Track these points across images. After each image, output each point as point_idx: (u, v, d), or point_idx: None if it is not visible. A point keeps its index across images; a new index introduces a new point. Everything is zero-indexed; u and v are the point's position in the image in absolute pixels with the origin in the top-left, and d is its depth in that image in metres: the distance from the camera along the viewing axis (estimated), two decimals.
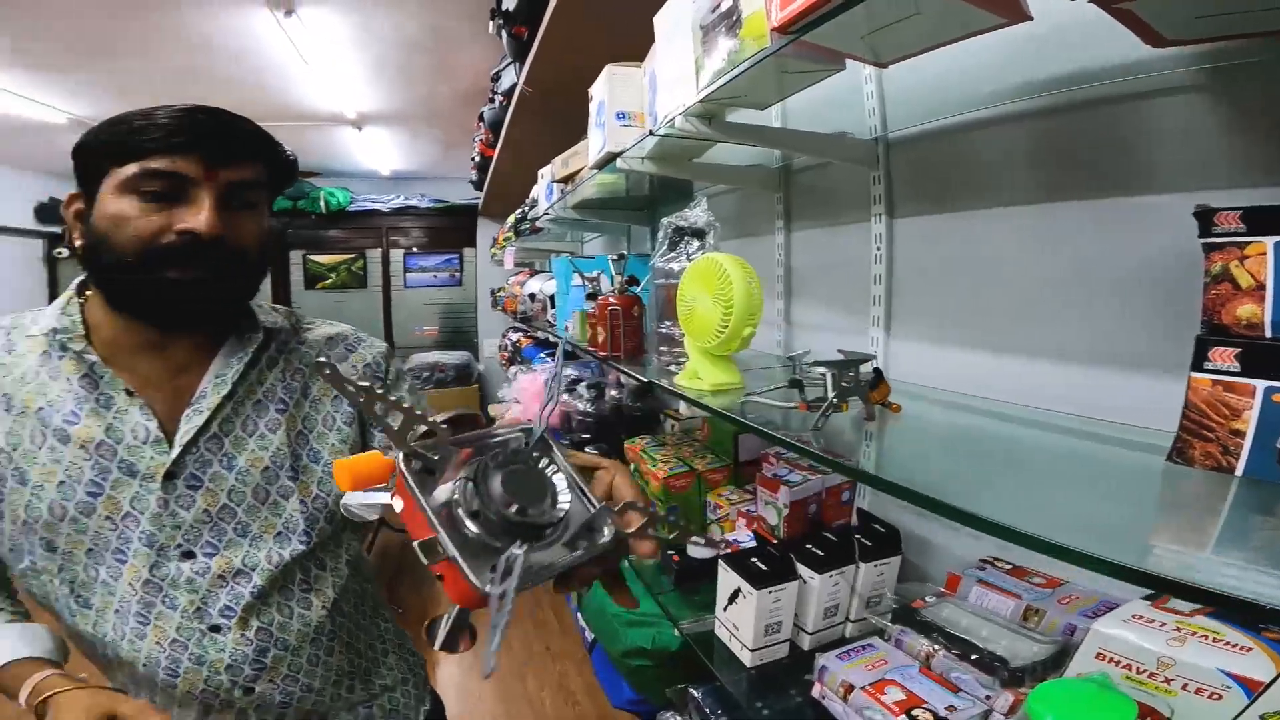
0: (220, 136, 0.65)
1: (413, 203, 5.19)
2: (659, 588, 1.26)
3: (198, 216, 0.63)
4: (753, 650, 0.97)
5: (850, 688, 0.83)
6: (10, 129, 3.36)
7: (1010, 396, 0.88)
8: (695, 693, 1.19)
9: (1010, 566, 0.90)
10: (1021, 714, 0.60)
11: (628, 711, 1.66)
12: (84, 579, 0.68)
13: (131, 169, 0.63)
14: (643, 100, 1.23)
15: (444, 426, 0.44)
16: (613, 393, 2.07)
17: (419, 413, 0.43)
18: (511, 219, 3.29)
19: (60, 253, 4.79)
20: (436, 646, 0.43)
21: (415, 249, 5.59)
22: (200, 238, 0.63)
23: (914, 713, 0.75)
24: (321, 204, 4.86)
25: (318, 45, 2.55)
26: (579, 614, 2.14)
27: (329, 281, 5.22)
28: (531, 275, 3.44)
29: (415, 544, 0.41)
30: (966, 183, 0.97)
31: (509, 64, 2.31)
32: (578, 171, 1.84)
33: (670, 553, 1.30)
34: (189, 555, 0.69)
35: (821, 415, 0.76)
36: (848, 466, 0.68)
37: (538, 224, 2.32)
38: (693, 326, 0.99)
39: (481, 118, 3.01)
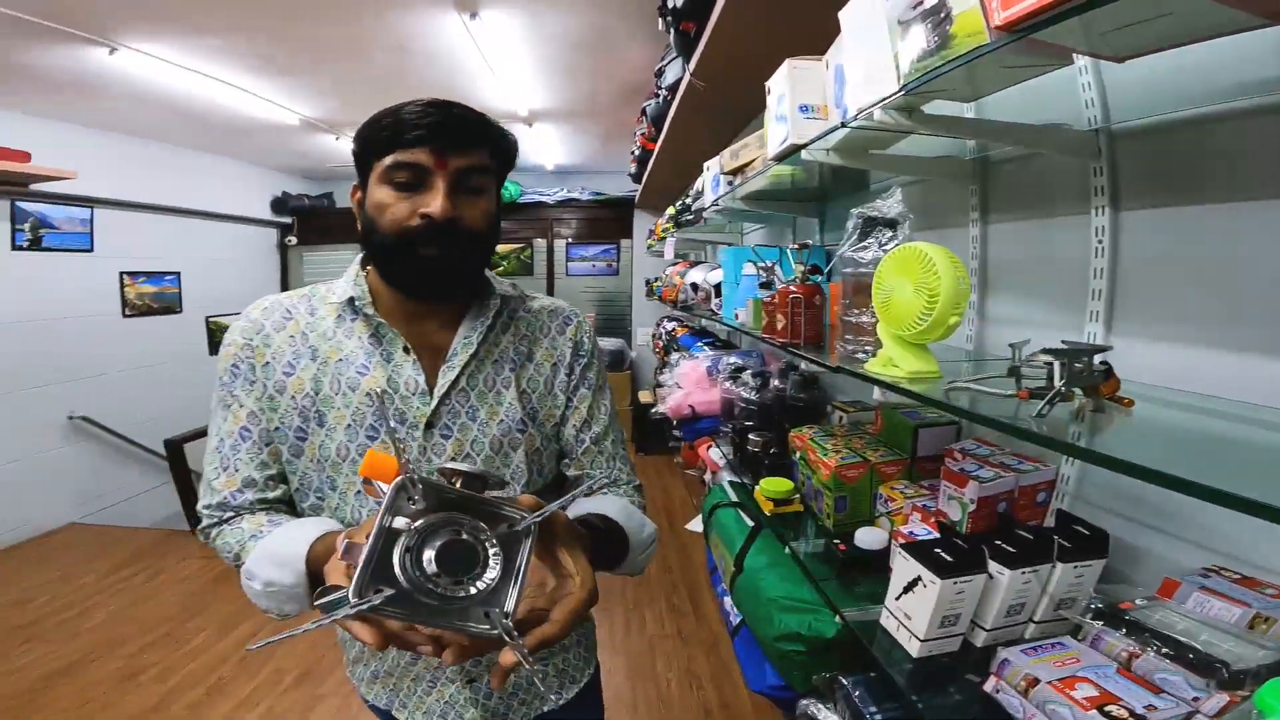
0: (447, 128, 0.75)
1: (574, 195, 5.48)
2: (820, 575, 1.28)
3: (434, 202, 0.73)
4: (922, 641, 0.96)
5: (1034, 681, 0.81)
6: (252, 129, 3.95)
7: (1259, 399, 0.81)
8: (845, 681, 1.20)
9: (1239, 576, 0.83)
10: (1248, 708, 0.58)
11: (767, 696, 1.65)
12: (350, 519, 0.83)
13: (384, 162, 0.75)
14: (825, 93, 1.25)
15: (456, 469, 0.57)
16: (775, 383, 2.08)
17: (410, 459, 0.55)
18: (671, 210, 3.37)
19: (290, 240, 5.56)
20: (313, 603, 0.53)
21: (576, 239, 5.90)
22: (436, 220, 0.73)
23: (1107, 709, 0.73)
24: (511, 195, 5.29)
25: (497, 46, 2.77)
26: (726, 596, 2.18)
27: (501, 269, 5.64)
28: (690, 266, 3.51)
29: (346, 541, 0.52)
30: (1209, 176, 0.89)
31: (673, 59, 2.39)
32: (749, 163, 1.87)
33: (835, 541, 1.30)
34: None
35: (1046, 404, 0.74)
36: (1092, 452, 0.66)
37: (704, 215, 2.37)
38: (890, 314, 0.99)
39: (644, 112, 3.11)
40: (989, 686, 0.89)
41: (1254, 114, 0.82)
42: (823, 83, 1.26)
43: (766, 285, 1.74)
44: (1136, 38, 0.72)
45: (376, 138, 0.76)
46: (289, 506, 0.88)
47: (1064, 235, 1.14)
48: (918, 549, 0.98)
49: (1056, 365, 0.76)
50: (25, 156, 3.31)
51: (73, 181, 3.60)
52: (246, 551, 0.77)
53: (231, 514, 0.83)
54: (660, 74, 2.60)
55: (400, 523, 0.52)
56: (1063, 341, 0.79)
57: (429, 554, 0.53)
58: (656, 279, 4.48)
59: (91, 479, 4.01)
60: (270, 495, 0.84)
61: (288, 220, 5.51)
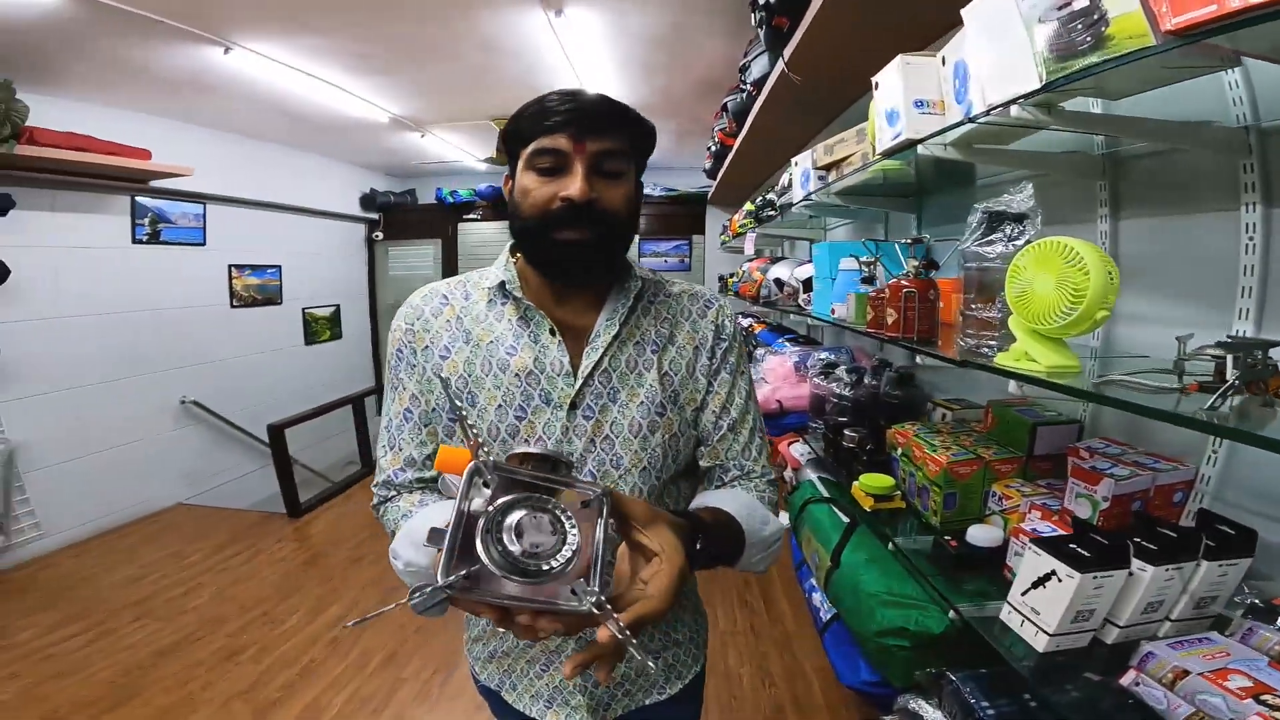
0: (584, 114, 0.77)
1: (648, 191, 5.50)
2: (927, 572, 1.27)
3: (572, 184, 0.76)
4: (1051, 635, 0.94)
5: (1183, 673, 0.80)
6: (344, 126, 4.14)
7: None
8: (953, 677, 1.18)
9: None
10: None
11: (860, 691, 1.63)
12: None
13: (528, 149, 0.79)
14: (940, 88, 1.24)
15: (527, 452, 0.58)
16: (869, 379, 2.06)
17: (483, 443, 0.57)
18: (749, 205, 3.36)
19: (377, 235, 5.80)
20: (410, 603, 0.53)
21: (648, 235, 5.94)
22: (575, 201, 0.76)
23: (1264, 699, 0.71)
24: None
25: (579, 43, 2.82)
26: (815, 592, 2.17)
27: None
28: (770, 262, 3.50)
29: (431, 528, 0.53)
30: None
31: (759, 54, 2.38)
32: (845, 158, 1.86)
33: (946, 538, 1.29)
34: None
35: (1219, 396, 0.73)
36: None
37: (792, 209, 2.37)
38: (1027, 308, 0.99)
39: (725, 108, 3.11)
40: (1126, 680, 0.87)
41: None
42: (938, 78, 1.25)
43: (869, 280, 1.73)
44: None
45: (521, 127, 0.80)
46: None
47: (1208, 232, 1.11)
48: (1050, 544, 0.96)
49: (1230, 359, 0.74)
50: (146, 154, 3.56)
51: (186, 179, 3.86)
52: (396, 531, 0.83)
53: (394, 493, 0.89)
54: (745, 69, 2.60)
55: (477, 505, 0.54)
56: (1228, 337, 0.77)
57: (508, 533, 0.54)
58: (732, 274, 4.47)
59: (198, 461, 4.29)
60: (428, 474, 0.90)
61: (375, 216, 5.76)
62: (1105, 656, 0.95)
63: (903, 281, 1.41)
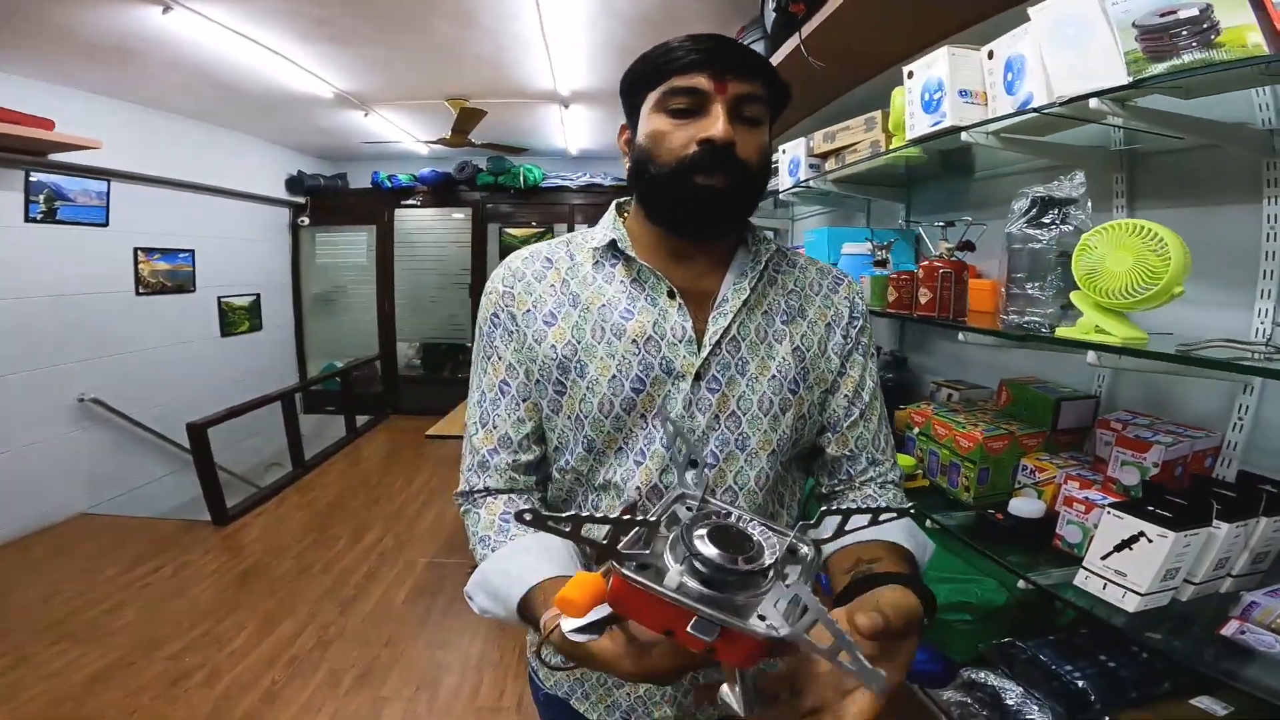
0: (724, 54, 0.71)
1: (597, 180, 5.44)
2: (978, 546, 1.29)
3: (714, 125, 0.70)
4: (1143, 595, 0.98)
5: None
6: (279, 102, 3.82)
7: None
8: (1024, 645, 1.22)
9: None
10: None
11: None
12: (602, 481, 0.79)
13: (659, 90, 0.73)
14: (984, 80, 1.31)
15: (651, 522, 0.47)
16: None
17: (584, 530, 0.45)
18: None
19: (303, 221, 5.42)
20: (748, 713, 0.42)
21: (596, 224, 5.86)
22: (716, 144, 0.70)
23: None
24: (521, 179, 5.22)
25: (560, 21, 2.72)
26: None
27: None
28: None
29: (684, 630, 0.40)
30: None
31: (754, 41, 2.39)
32: (847, 146, 1.90)
33: (991, 512, 1.33)
34: (693, 464, 0.73)
35: None
36: None
37: (780, 196, 2.39)
38: (1096, 285, 1.04)
39: None
40: (1228, 630, 0.91)
41: None
42: (981, 70, 1.32)
43: (881, 264, 1.77)
44: None
45: (650, 68, 0.74)
46: (542, 473, 0.86)
47: (1228, 223, 1.19)
48: (1130, 509, 1.00)
49: None
50: (49, 124, 3.16)
51: (90, 154, 3.45)
52: (476, 557, 0.76)
53: (482, 484, 0.80)
54: None
55: (672, 577, 0.44)
56: None
57: (715, 555, 0.44)
58: None
59: (101, 465, 3.85)
60: (524, 457, 0.81)
61: (301, 200, 5.38)
62: (1189, 613, 0.99)
63: (936, 263, 1.45)
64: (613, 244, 0.80)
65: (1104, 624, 1.01)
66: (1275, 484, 1.02)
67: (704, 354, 0.76)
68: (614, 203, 0.86)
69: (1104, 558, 1.04)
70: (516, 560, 0.70)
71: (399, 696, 2.13)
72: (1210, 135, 1.12)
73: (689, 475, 0.60)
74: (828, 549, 0.72)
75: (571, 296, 0.79)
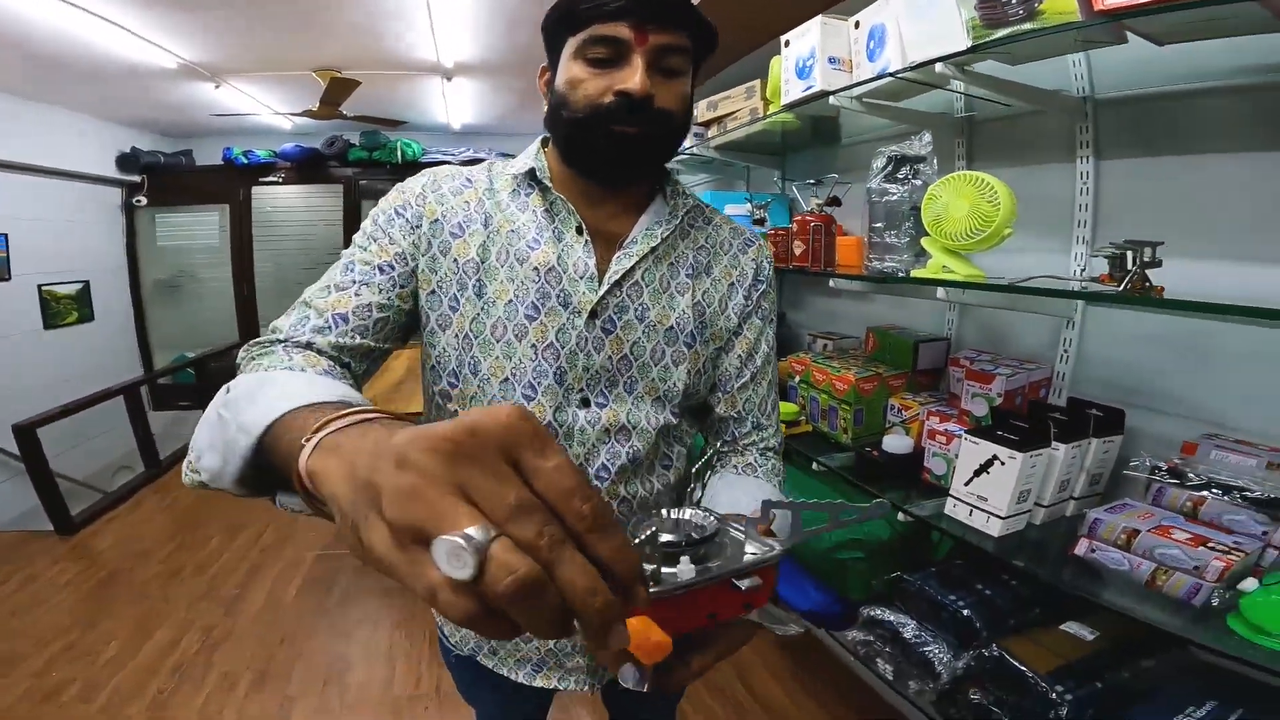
0: (648, 4, 0.70)
1: (481, 155, 5.25)
2: (860, 483, 1.40)
3: (631, 78, 0.69)
4: (1004, 518, 1.11)
5: (1134, 533, 0.96)
6: (112, 74, 3.38)
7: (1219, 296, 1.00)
8: (911, 579, 1.32)
9: (1234, 439, 1.05)
10: None
11: (813, 614, 1.58)
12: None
13: (580, 36, 0.71)
14: (850, 48, 1.40)
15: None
16: None
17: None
18: None
19: (139, 200, 4.85)
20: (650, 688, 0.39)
21: None
22: (634, 97, 0.69)
23: (1209, 545, 0.89)
24: (398, 154, 4.92)
25: None
26: None
27: None
28: None
29: (727, 599, 0.39)
30: (1173, 135, 1.17)
31: None
32: (729, 114, 1.97)
33: (868, 449, 1.44)
34: (585, 403, 0.76)
35: (1129, 282, 0.91)
36: (1201, 304, 0.87)
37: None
38: (942, 229, 1.17)
39: None
40: (1080, 550, 1.04)
41: (1211, 93, 1.10)
42: (848, 39, 1.41)
43: (760, 222, 1.87)
44: (1188, 29, 0.95)
45: (573, 10, 0.71)
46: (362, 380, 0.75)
47: (1049, 179, 1.36)
48: (982, 434, 1.13)
49: (1130, 254, 0.93)
50: None
51: None
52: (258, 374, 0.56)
53: (303, 345, 0.69)
54: None
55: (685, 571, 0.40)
56: (1126, 241, 0.97)
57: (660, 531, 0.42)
58: None
59: None
60: (368, 343, 0.72)
61: (137, 179, 4.79)
62: (1043, 537, 1.13)
63: (808, 217, 1.55)
64: (531, 173, 0.79)
65: (975, 550, 1.14)
66: (1101, 408, 1.17)
67: (602, 291, 0.75)
68: (540, 136, 0.84)
69: (966, 484, 1.16)
70: (331, 382, 0.52)
71: (306, 694, 2.02)
72: (1035, 100, 1.26)
73: None
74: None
75: (484, 216, 0.77)
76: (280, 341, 0.70)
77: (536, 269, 0.75)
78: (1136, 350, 1.25)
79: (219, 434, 0.48)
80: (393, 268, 0.75)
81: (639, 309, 0.78)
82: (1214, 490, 0.97)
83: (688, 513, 0.44)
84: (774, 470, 0.88)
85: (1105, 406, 1.17)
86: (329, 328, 0.71)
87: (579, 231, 0.77)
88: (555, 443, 0.30)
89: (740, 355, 0.85)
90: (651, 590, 0.35)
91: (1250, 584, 0.88)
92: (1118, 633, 1.16)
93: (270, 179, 5.03)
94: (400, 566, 0.27)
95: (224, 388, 0.53)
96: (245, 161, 4.92)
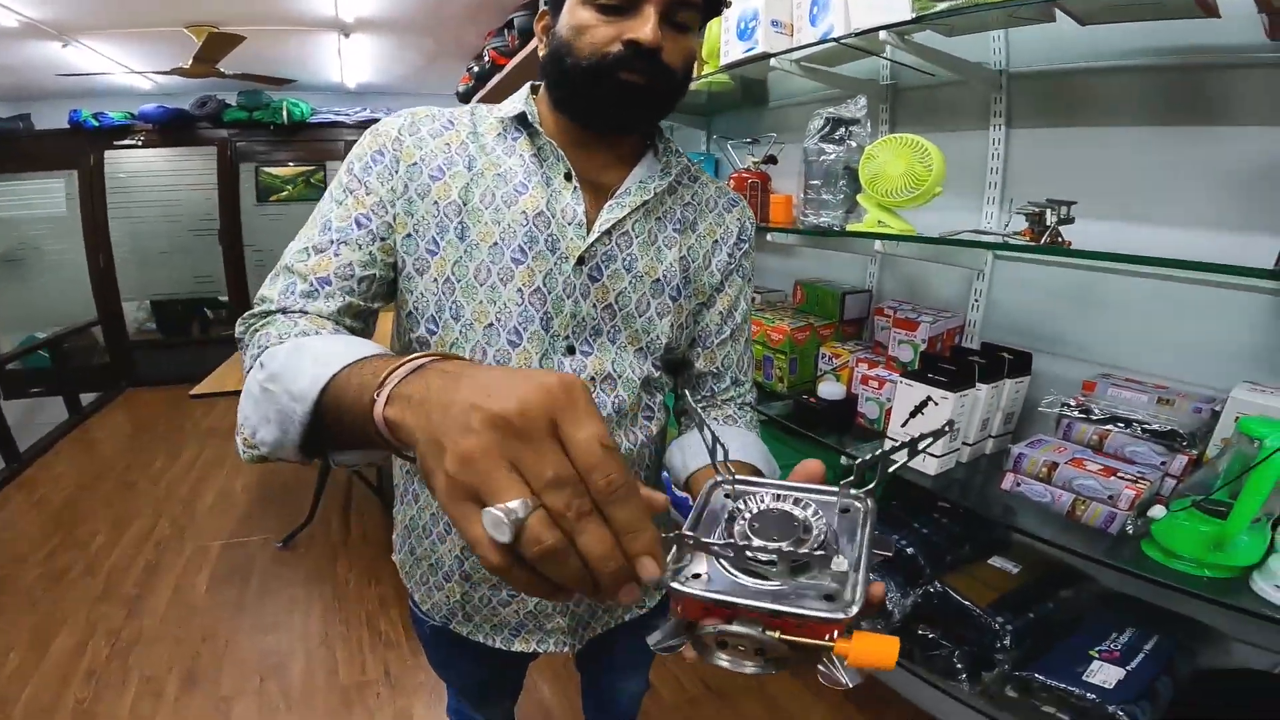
0: None
1: (378, 115, 4.92)
2: (801, 430, 1.47)
3: (643, 28, 0.68)
4: (939, 457, 1.21)
5: (1054, 466, 1.08)
6: None
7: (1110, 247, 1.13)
8: None
9: (1125, 377, 1.20)
10: (1236, 434, 0.90)
11: None
12: (473, 359, 0.73)
13: None
14: (792, 11, 1.45)
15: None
16: None
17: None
18: None
19: None
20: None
21: None
22: (644, 47, 0.68)
23: (1119, 475, 1.02)
24: (284, 115, 4.52)
25: None
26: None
27: (285, 194, 4.88)
28: None
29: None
30: (1079, 108, 1.29)
31: None
32: None
33: (805, 397, 1.53)
34: (571, 350, 0.76)
35: (1047, 235, 1.02)
36: (1108, 254, 0.97)
37: None
38: (879, 186, 1.26)
39: (511, 24, 2.93)
40: (1006, 484, 1.15)
41: (1117, 71, 1.22)
42: (790, 2, 1.45)
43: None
44: (1113, 12, 1.07)
45: None
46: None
47: (964, 145, 1.46)
48: (917, 377, 1.23)
49: (1048, 211, 1.05)
50: None
51: None
52: (282, 341, 0.58)
53: (298, 314, 0.67)
54: None
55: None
56: (1047, 200, 1.09)
57: (741, 522, 0.42)
58: None
59: None
60: (358, 303, 0.71)
61: None
62: (970, 475, 1.25)
63: (743, 174, 1.61)
64: (522, 116, 0.76)
65: (913, 491, 1.23)
66: (1011, 351, 1.29)
67: (591, 239, 0.75)
68: (528, 83, 0.82)
69: (903, 425, 1.26)
70: (362, 342, 0.53)
71: (244, 692, 1.91)
72: (958, 71, 1.35)
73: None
74: (688, 469, 0.78)
75: (467, 159, 0.75)
76: (274, 311, 0.67)
77: (524, 213, 0.73)
78: (1039, 299, 1.39)
79: (270, 407, 0.49)
80: (370, 220, 0.72)
81: (627, 259, 0.77)
82: (1118, 424, 1.10)
83: (800, 510, 0.42)
84: (752, 423, 0.91)
85: (1015, 350, 1.29)
86: (315, 292, 0.68)
87: (568, 178, 0.75)
88: (592, 412, 0.34)
89: (721, 311, 0.87)
90: (670, 580, 0.36)
91: (1159, 511, 0.96)
92: (1036, 565, 1.31)
93: (128, 142, 4.51)
94: (455, 515, 0.33)
95: (257, 362, 0.54)
96: (96, 124, 4.38)
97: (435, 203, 0.73)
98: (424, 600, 0.91)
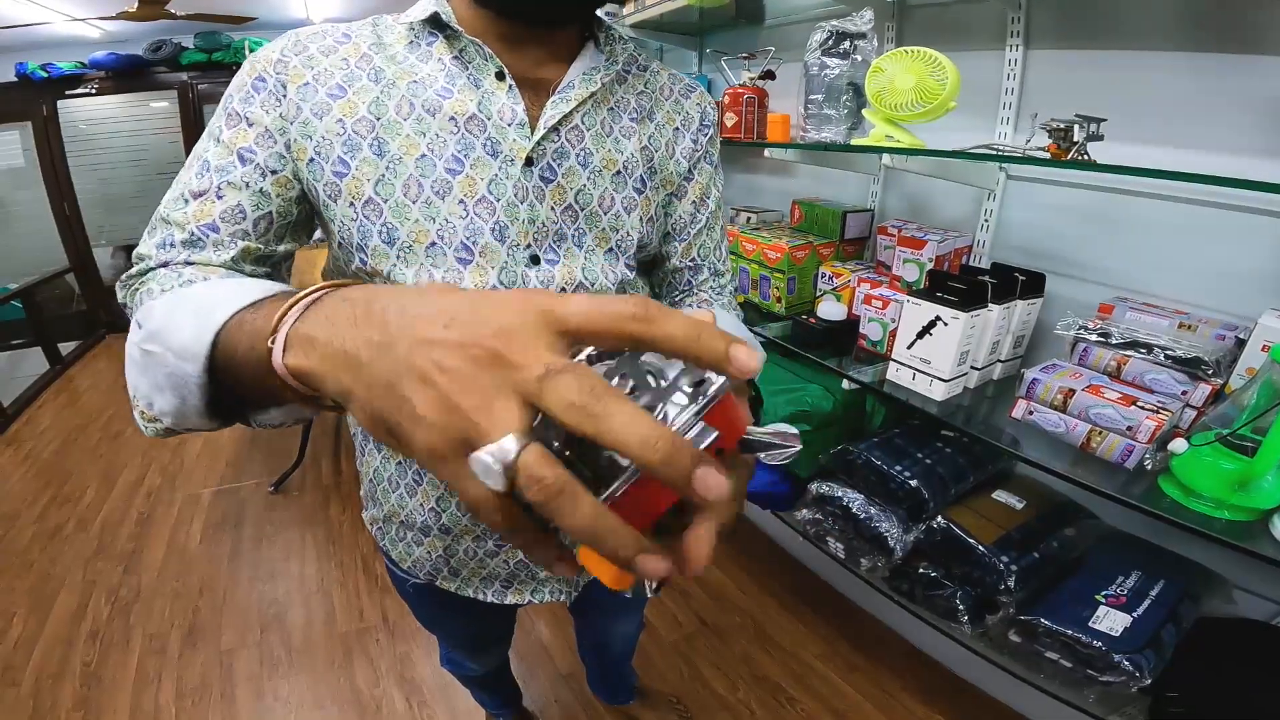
0: None
1: None
2: (799, 350, 1.42)
3: None
4: (946, 381, 1.16)
5: (1070, 393, 1.01)
6: None
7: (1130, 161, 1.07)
8: (856, 450, 1.34)
9: (1142, 302, 1.13)
10: (1268, 363, 0.83)
11: (758, 496, 1.56)
12: (417, 285, 0.65)
13: None
14: None
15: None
16: None
17: None
18: None
19: None
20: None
21: None
22: None
23: (1138, 405, 0.95)
24: (246, 55, 4.30)
25: None
26: None
27: None
28: None
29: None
30: (1107, 30, 1.19)
31: None
32: None
33: (805, 316, 1.47)
34: (534, 260, 0.68)
35: (1077, 151, 0.94)
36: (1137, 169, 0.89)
37: None
38: (887, 100, 1.17)
39: None
40: (1018, 412, 1.09)
41: None
42: None
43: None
44: None
45: None
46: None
47: (977, 63, 1.36)
48: (925, 295, 1.16)
49: (1076, 127, 0.98)
50: None
51: None
52: (163, 296, 0.51)
53: (179, 262, 0.59)
54: None
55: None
56: (1076, 115, 1.00)
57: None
58: None
59: None
60: (256, 246, 0.63)
61: None
62: (978, 401, 1.19)
63: (739, 89, 1.51)
64: (435, 18, 0.66)
65: (917, 416, 1.18)
66: (1023, 272, 1.22)
67: (538, 137, 0.66)
68: None
69: (909, 347, 1.20)
70: (252, 282, 0.47)
71: (245, 644, 1.90)
72: None
73: None
74: None
75: (373, 72, 0.65)
76: (155, 268, 0.59)
77: (453, 118, 0.64)
78: (1053, 220, 1.31)
79: (158, 371, 0.43)
80: (255, 153, 0.62)
81: (581, 154, 0.69)
82: (1139, 349, 1.03)
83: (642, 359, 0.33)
84: (730, 305, 0.87)
85: (1027, 270, 1.22)
86: (200, 240, 0.60)
87: (499, 77, 0.66)
88: (555, 340, 0.28)
89: (694, 200, 0.80)
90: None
91: (1180, 445, 0.91)
92: (1041, 500, 1.26)
93: (80, 91, 4.33)
94: (448, 475, 0.28)
95: (134, 323, 0.47)
96: (45, 75, 4.19)
97: (340, 120, 0.62)
98: (403, 558, 0.85)
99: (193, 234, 0.59)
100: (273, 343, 0.35)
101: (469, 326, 0.28)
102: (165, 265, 0.59)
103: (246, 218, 0.61)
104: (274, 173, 0.62)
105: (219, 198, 0.60)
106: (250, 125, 0.62)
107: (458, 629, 1.03)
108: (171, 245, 0.60)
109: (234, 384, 0.40)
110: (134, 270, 0.60)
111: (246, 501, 2.63)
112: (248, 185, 0.61)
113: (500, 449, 0.25)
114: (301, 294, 0.37)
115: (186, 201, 0.60)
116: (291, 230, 0.66)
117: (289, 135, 0.62)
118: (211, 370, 0.40)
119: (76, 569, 2.25)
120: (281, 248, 0.66)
